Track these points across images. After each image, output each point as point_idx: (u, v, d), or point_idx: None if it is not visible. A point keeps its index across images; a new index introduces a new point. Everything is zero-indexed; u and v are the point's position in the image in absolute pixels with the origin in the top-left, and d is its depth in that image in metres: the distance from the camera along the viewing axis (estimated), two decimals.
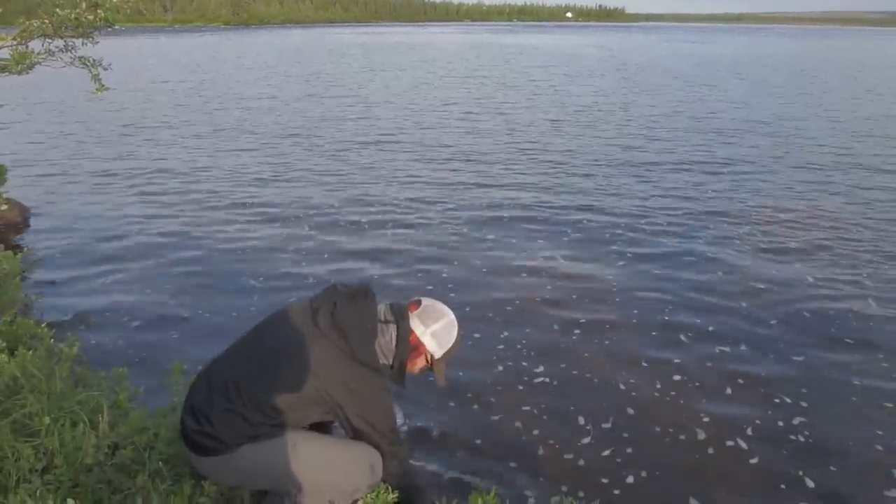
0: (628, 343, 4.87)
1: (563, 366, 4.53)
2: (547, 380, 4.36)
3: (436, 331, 2.50)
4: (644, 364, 4.56)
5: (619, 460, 3.56)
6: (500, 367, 4.53)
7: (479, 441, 3.73)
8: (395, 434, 2.52)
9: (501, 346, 4.82)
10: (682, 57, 41.98)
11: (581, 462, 3.55)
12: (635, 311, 5.37)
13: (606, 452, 3.63)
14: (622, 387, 4.27)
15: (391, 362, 2.47)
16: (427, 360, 2.53)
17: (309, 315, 2.41)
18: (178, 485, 2.51)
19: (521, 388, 4.29)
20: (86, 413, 2.76)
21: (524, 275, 6.14)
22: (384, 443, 2.46)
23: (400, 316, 2.48)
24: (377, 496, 2.42)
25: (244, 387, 2.34)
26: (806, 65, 36.37)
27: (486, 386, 4.30)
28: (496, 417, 3.97)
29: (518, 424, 3.89)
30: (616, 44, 63.82)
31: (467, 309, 5.37)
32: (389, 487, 2.48)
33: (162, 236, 7.19)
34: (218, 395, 2.36)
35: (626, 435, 3.78)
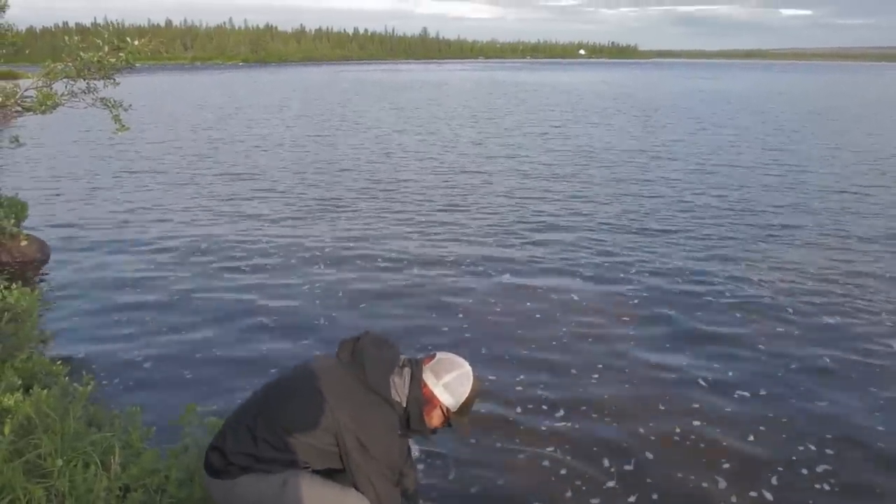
0: (647, 386, 4.79)
1: (584, 408, 4.46)
2: (569, 423, 4.29)
3: (448, 383, 2.47)
4: (662, 407, 4.48)
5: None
6: (520, 409, 4.47)
7: (501, 482, 3.66)
8: (394, 472, 2.47)
9: (520, 388, 4.76)
10: (696, 94, 42.23)
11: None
12: (653, 355, 5.28)
13: (632, 499, 3.55)
14: (641, 430, 4.19)
15: (405, 405, 2.45)
16: (444, 413, 2.50)
17: (332, 355, 2.52)
18: None
19: (543, 428, 4.22)
20: (98, 454, 2.75)
21: (541, 316, 6.08)
22: (376, 475, 2.38)
23: (415, 365, 2.50)
24: None
25: (263, 411, 2.45)
26: (818, 102, 36.42)
27: (508, 424, 4.24)
28: (521, 457, 3.90)
29: (545, 464, 3.83)
30: (629, 80, 64.32)
31: (483, 350, 5.33)
32: None
33: (179, 275, 7.21)
34: (239, 415, 2.51)
35: (649, 480, 3.69)
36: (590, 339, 5.57)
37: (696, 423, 4.28)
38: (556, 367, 5.06)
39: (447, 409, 2.48)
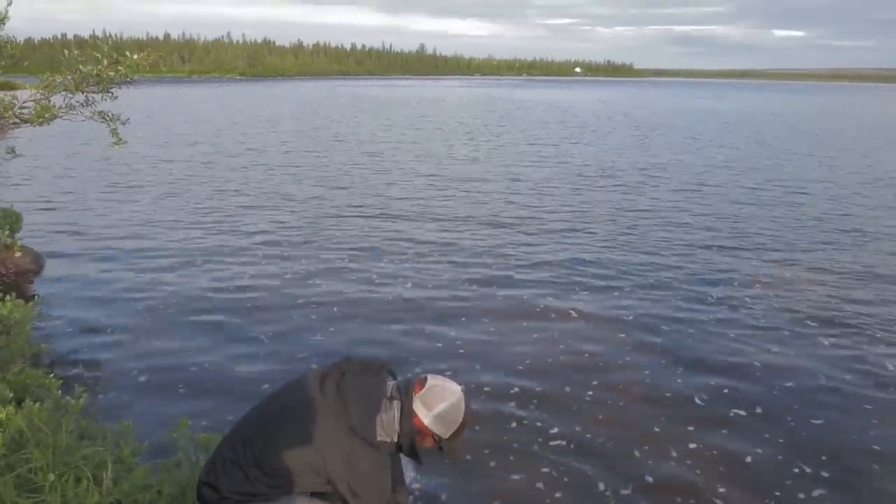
0: (641, 407, 4.78)
1: (578, 428, 4.44)
2: (563, 442, 4.27)
3: (439, 413, 2.41)
4: (658, 429, 4.46)
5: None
6: (515, 424, 4.46)
7: (498, 502, 3.65)
8: None
9: (513, 403, 4.75)
10: (691, 114, 42.50)
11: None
12: (647, 373, 5.28)
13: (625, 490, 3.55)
14: (637, 454, 4.16)
15: (395, 440, 2.43)
16: (435, 440, 2.46)
17: (318, 383, 2.44)
18: None
19: (536, 448, 4.20)
20: (90, 468, 2.72)
21: (535, 334, 6.09)
22: None
23: (405, 394, 2.45)
24: None
25: (250, 444, 2.41)
26: (811, 122, 36.70)
27: (502, 444, 4.22)
28: (516, 477, 3.88)
29: (539, 486, 3.80)
30: (626, 99, 64.74)
31: (478, 366, 5.33)
32: None
33: (173, 289, 7.19)
34: (227, 449, 2.44)
35: None
36: (585, 357, 5.57)
37: (693, 445, 4.27)
38: (550, 386, 5.05)
39: (439, 437, 2.45)
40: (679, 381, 5.16)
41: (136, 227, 9.97)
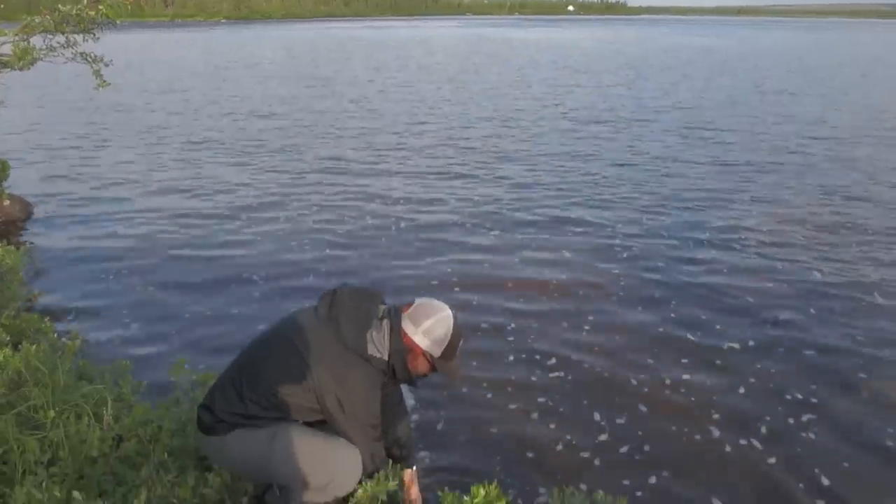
0: (637, 340, 4.84)
1: (576, 359, 4.51)
2: (560, 374, 4.34)
3: (427, 328, 2.42)
4: (651, 361, 4.52)
5: (637, 458, 3.53)
6: (512, 357, 4.53)
7: (493, 431, 3.72)
8: (375, 428, 2.47)
9: (512, 338, 4.81)
10: (691, 52, 41.87)
11: (598, 461, 3.51)
12: (641, 308, 5.34)
13: (623, 449, 3.60)
14: (633, 382, 4.25)
15: (386, 358, 2.44)
16: (428, 361, 2.47)
17: (312, 309, 2.50)
18: (182, 476, 2.50)
19: (534, 379, 4.27)
20: (90, 406, 2.76)
21: (532, 272, 6.11)
22: (359, 434, 2.41)
23: (394, 315, 2.47)
24: (377, 483, 2.40)
25: (245, 368, 2.48)
26: (806, 59, 36.25)
27: (499, 376, 4.29)
28: (512, 407, 3.95)
29: (534, 416, 3.88)
30: (620, 37, 63.61)
31: (475, 302, 5.37)
32: (389, 475, 2.45)
33: (165, 233, 7.16)
34: (225, 376, 2.53)
35: (640, 433, 3.74)
36: (580, 293, 5.61)
37: (686, 375, 4.35)
38: (546, 322, 5.10)
39: (430, 356, 2.46)
40: (673, 315, 5.22)
41: (124, 173, 9.85)
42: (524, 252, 6.54)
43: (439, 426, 3.77)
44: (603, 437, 3.71)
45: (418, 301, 2.51)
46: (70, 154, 11.21)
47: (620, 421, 3.85)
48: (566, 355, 4.57)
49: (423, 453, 3.44)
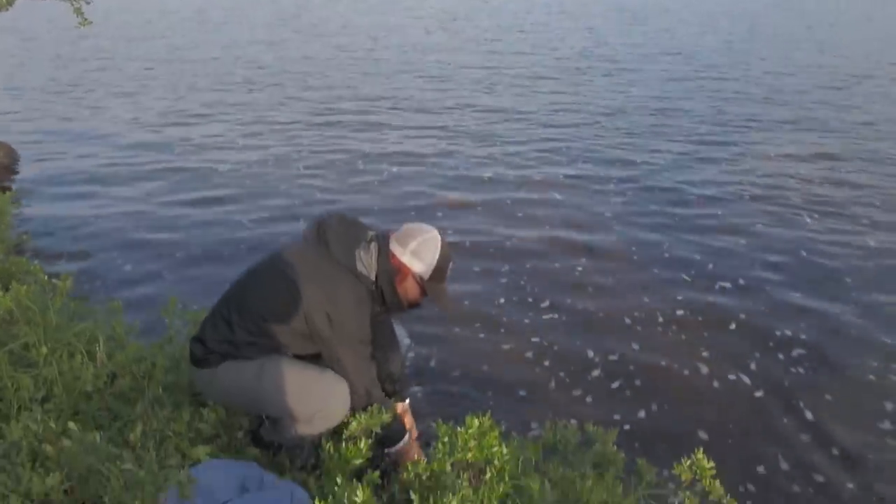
0: (630, 278, 4.87)
1: (569, 300, 4.54)
2: (554, 315, 4.37)
3: (415, 249, 2.41)
4: (646, 299, 4.56)
5: (628, 393, 3.59)
6: (503, 299, 4.55)
7: (485, 369, 3.76)
8: (366, 346, 2.45)
9: (505, 280, 4.83)
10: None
11: (589, 397, 3.56)
12: (635, 249, 5.36)
13: (615, 385, 3.66)
14: (626, 321, 4.30)
15: (374, 278, 2.42)
16: (418, 283, 2.45)
17: (300, 237, 2.50)
18: (177, 411, 2.51)
19: (527, 321, 4.30)
20: (82, 345, 2.76)
21: (522, 214, 6.11)
22: (349, 354, 2.39)
23: (381, 238, 2.47)
24: (370, 416, 2.42)
25: (235, 296, 2.49)
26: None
27: (492, 317, 4.31)
28: (505, 347, 3.99)
29: (528, 355, 3.92)
30: None
31: (468, 243, 5.38)
32: (383, 407, 2.45)
33: (153, 175, 7.09)
34: (216, 306, 2.54)
35: (632, 367, 3.80)
36: (573, 236, 5.62)
37: (679, 312, 4.39)
38: (540, 263, 5.12)
39: (420, 277, 2.44)
40: (666, 255, 5.25)
41: (107, 114, 9.71)
42: (516, 196, 6.52)
43: (432, 363, 3.80)
44: (595, 373, 3.77)
45: (406, 225, 2.50)
46: (55, 99, 11.00)
47: (613, 358, 3.90)
48: (559, 296, 4.59)
49: (415, 388, 3.48)
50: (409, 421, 2.81)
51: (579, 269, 5.03)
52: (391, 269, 2.41)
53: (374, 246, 2.44)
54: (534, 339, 4.08)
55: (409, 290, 2.48)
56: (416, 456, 2.52)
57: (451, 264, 2.50)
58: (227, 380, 2.45)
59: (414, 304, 2.56)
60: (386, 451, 2.56)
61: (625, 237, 5.59)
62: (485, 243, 5.44)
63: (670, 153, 7.95)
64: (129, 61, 14.95)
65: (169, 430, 2.43)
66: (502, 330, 4.18)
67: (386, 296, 2.45)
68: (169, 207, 6.24)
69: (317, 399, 2.38)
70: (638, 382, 3.68)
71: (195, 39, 18.69)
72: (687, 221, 5.93)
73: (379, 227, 2.62)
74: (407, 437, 2.57)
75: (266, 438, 2.55)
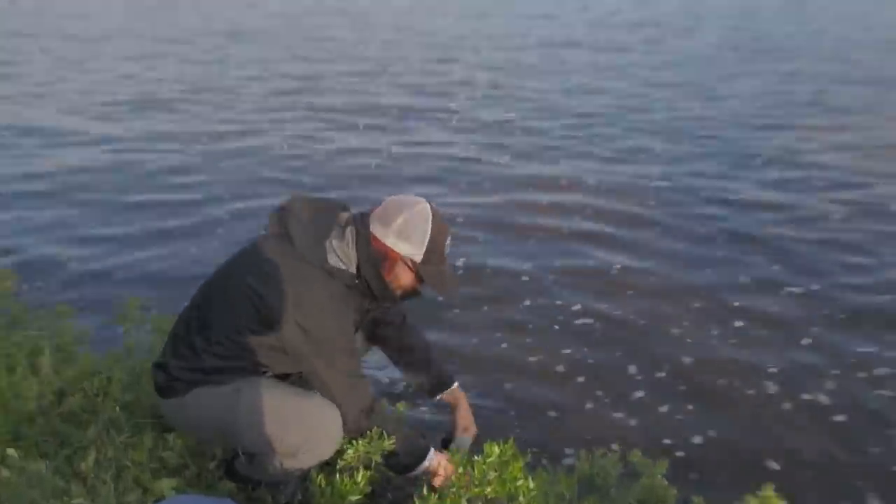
0: (678, 280, 4.85)
1: (605, 305, 4.53)
2: (589, 320, 4.36)
3: (400, 228, 2.31)
4: (697, 304, 4.54)
5: (680, 416, 3.55)
6: (528, 301, 4.55)
7: (508, 385, 3.74)
8: (351, 356, 2.40)
9: (527, 279, 4.83)
10: None
11: (634, 421, 3.52)
12: (682, 247, 5.35)
13: (665, 406, 3.62)
14: (675, 331, 4.27)
15: (354, 270, 2.36)
16: (410, 268, 2.37)
17: (261, 234, 2.45)
18: (137, 436, 2.51)
19: (557, 327, 4.29)
20: (24, 356, 2.77)
21: (550, 200, 6.14)
22: (331, 370, 2.33)
23: (359, 219, 2.39)
24: (369, 442, 2.41)
25: (196, 310, 2.47)
26: None
27: (515, 323, 4.31)
28: (531, 359, 3.98)
29: (559, 369, 3.90)
30: None
31: (480, 239, 5.40)
32: (385, 433, 2.39)
33: (103, 158, 7.16)
34: (178, 325, 2.51)
35: (684, 386, 3.78)
36: (609, 227, 5.65)
37: (740, 321, 4.38)
38: (570, 260, 5.14)
39: (411, 261, 2.36)
40: (720, 254, 5.24)
41: (51, 93, 9.77)
42: (539, 180, 6.55)
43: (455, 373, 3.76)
44: (639, 393, 3.74)
45: (388, 199, 2.41)
46: None
47: (660, 374, 3.88)
48: (594, 299, 4.59)
49: (423, 408, 3.48)
50: (462, 416, 2.81)
51: (617, 266, 5.03)
52: (375, 257, 2.34)
53: (350, 231, 2.37)
54: (565, 351, 4.06)
55: (401, 277, 2.40)
56: (447, 471, 2.46)
57: (448, 240, 2.41)
58: (198, 409, 2.43)
59: (410, 294, 2.51)
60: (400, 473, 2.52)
61: (672, 231, 5.60)
62: (503, 237, 5.45)
63: (725, 132, 8.04)
64: (81, 21, 15.04)
65: (127, 458, 2.44)
66: (527, 339, 4.17)
67: (373, 288, 2.39)
68: (123, 201, 6.30)
69: (301, 431, 2.35)
70: (692, 404, 3.64)
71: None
72: (745, 215, 5.90)
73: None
74: (431, 453, 2.50)
75: (242, 473, 2.55)
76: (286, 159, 7.14)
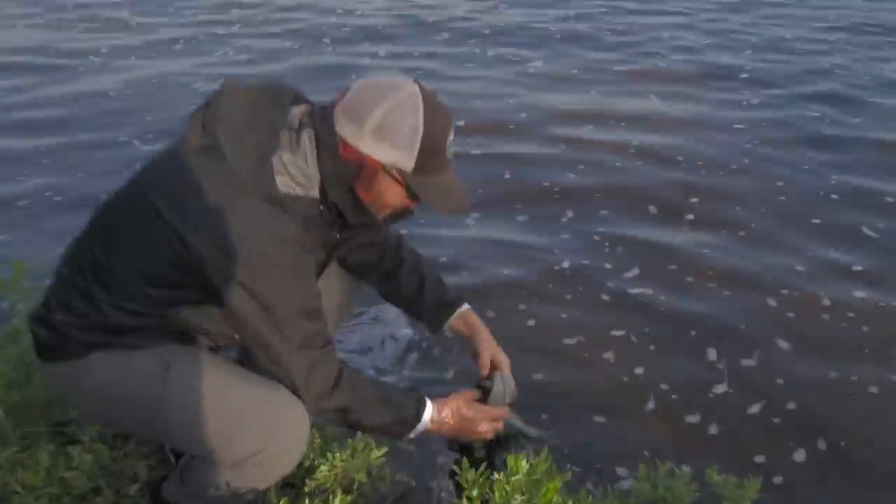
0: (768, 248, 4.82)
1: (673, 270, 4.52)
2: (650, 291, 4.33)
3: (378, 124, 2.10)
4: (801, 268, 4.53)
5: (776, 421, 3.47)
6: (567, 263, 4.57)
7: (540, 375, 3.69)
8: (311, 319, 2.24)
9: (569, 234, 4.87)
10: None
11: (714, 427, 3.45)
12: (779, 205, 5.31)
13: (754, 407, 3.55)
14: (771, 304, 4.22)
15: (316, 193, 2.20)
16: (396, 181, 2.19)
17: (179, 138, 2.23)
18: (30, 451, 2.49)
19: (606, 298, 4.28)
20: None
21: (603, 127, 6.30)
22: (282, 341, 2.19)
23: (319, 117, 2.19)
24: (351, 455, 2.40)
25: (89, 250, 2.30)
26: None
27: (549, 292, 4.30)
28: (570, 342, 3.93)
29: (608, 357, 3.85)
30: None
31: (507, 174, 5.53)
32: (373, 442, 2.39)
33: None
34: (64, 264, 2.36)
35: (781, 380, 3.69)
36: (678, 166, 5.76)
37: (860, 294, 4.34)
38: (623, 206, 5.22)
39: (398, 171, 2.17)
40: (819, 221, 5.13)
41: None
42: (588, 101, 6.69)
43: (452, 370, 3.73)
44: (720, 387, 3.66)
45: (357, 83, 2.23)
46: None
47: (748, 363, 3.81)
48: (657, 263, 4.58)
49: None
50: (485, 345, 2.83)
51: (690, 218, 5.04)
52: (345, 170, 2.17)
53: (307, 136, 2.18)
54: (616, 332, 4.00)
55: (385, 195, 2.24)
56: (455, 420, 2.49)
57: (450, 135, 2.22)
58: (104, 382, 2.29)
59: (399, 215, 2.40)
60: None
61: (762, 183, 5.56)
62: (538, 174, 5.52)
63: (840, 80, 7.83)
64: None
65: (15, 482, 2.40)
66: (564, 314, 4.12)
67: (346, 215, 2.26)
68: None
69: (256, 434, 2.26)
70: (792, 404, 3.57)
71: None
72: (851, 176, 5.76)
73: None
74: (428, 412, 2.47)
75: (171, 500, 2.50)
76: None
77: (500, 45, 8.50)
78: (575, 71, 7.69)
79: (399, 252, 2.81)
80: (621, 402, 3.59)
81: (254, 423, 2.26)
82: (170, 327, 2.28)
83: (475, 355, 2.80)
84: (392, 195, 2.22)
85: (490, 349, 2.79)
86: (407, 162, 2.14)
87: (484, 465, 2.36)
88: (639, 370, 3.77)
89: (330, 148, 2.14)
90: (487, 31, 8.95)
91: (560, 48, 8.42)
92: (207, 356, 2.33)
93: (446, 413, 2.47)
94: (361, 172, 2.17)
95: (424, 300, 2.80)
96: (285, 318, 2.16)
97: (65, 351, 2.28)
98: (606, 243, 4.78)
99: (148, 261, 2.17)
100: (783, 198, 5.31)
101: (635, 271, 4.49)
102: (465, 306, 2.82)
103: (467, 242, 4.76)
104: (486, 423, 2.60)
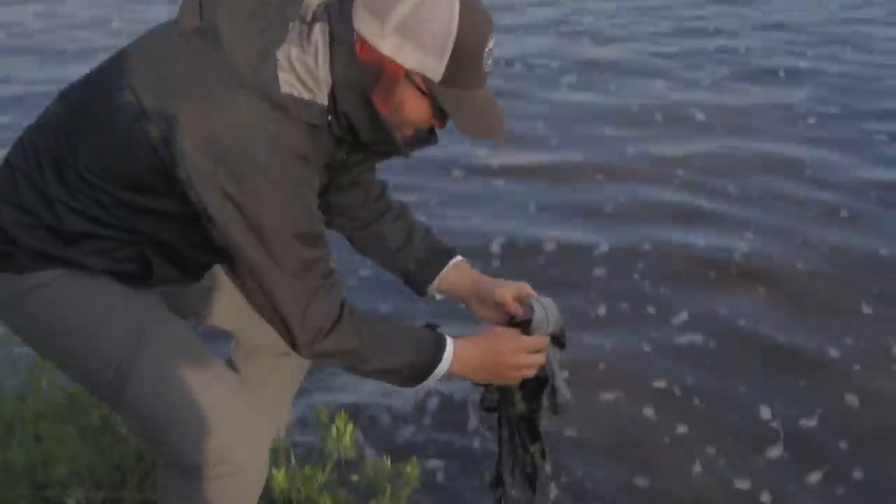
0: (833, 283, 4.66)
1: (723, 314, 4.35)
2: (699, 338, 4.18)
3: (405, 21, 1.80)
4: (867, 313, 4.36)
5: (840, 491, 3.30)
6: (604, 307, 4.41)
7: (572, 431, 3.52)
8: (307, 243, 1.94)
9: (602, 271, 4.72)
10: None
11: (767, 495, 3.29)
12: (841, 232, 5.14)
13: (815, 476, 3.38)
14: (833, 355, 4.04)
15: (325, 100, 1.91)
16: (421, 91, 1.90)
17: (172, 21, 1.98)
18: None
19: (647, 348, 4.13)
20: None
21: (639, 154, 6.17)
22: (274, 271, 1.90)
23: (337, 10, 1.90)
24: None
25: (48, 134, 2.05)
26: None
27: (584, 339, 4.10)
28: (608, 397, 3.79)
29: (647, 413, 3.70)
30: None
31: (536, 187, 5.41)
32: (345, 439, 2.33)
33: None
34: (19, 149, 2.09)
35: (844, 444, 3.53)
36: (730, 195, 5.56)
37: None
38: (666, 233, 5.09)
39: (424, 80, 1.87)
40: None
41: None
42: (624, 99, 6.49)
43: (469, 424, 3.60)
44: (774, 451, 3.50)
45: None
46: None
47: (808, 423, 3.64)
48: (706, 305, 4.42)
49: (434, 461, 3.34)
50: (486, 282, 2.42)
51: (741, 247, 4.85)
52: (362, 74, 1.88)
53: (320, 31, 1.89)
54: (657, 384, 3.85)
55: (406, 108, 1.94)
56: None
57: (489, 44, 1.92)
58: (60, 314, 2.04)
59: (420, 140, 2.11)
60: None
61: (824, 211, 5.39)
62: (576, 197, 5.53)
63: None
64: None
65: None
66: (601, 365, 3.97)
67: (359, 129, 1.96)
68: None
69: (223, 436, 2.01)
70: (858, 472, 3.39)
71: None
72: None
73: None
74: (450, 349, 2.13)
75: None
76: None
77: None
78: None
79: (383, 197, 2.50)
80: (664, 460, 3.48)
81: (218, 426, 2.02)
82: (133, 247, 2.02)
83: (487, 303, 2.40)
84: (414, 109, 1.93)
85: (508, 284, 2.37)
86: (435, 69, 1.84)
87: None
88: (682, 426, 3.65)
89: (345, 47, 1.87)
90: None
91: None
92: (184, 336, 2.14)
93: (472, 350, 2.17)
94: (380, 79, 1.88)
95: (412, 249, 2.45)
96: (279, 240, 1.89)
97: (12, 260, 2.01)
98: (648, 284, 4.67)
99: (119, 158, 1.93)
100: None
101: (683, 316, 4.36)
102: (461, 258, 2.47)
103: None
104: (523, 355, 2.21)
